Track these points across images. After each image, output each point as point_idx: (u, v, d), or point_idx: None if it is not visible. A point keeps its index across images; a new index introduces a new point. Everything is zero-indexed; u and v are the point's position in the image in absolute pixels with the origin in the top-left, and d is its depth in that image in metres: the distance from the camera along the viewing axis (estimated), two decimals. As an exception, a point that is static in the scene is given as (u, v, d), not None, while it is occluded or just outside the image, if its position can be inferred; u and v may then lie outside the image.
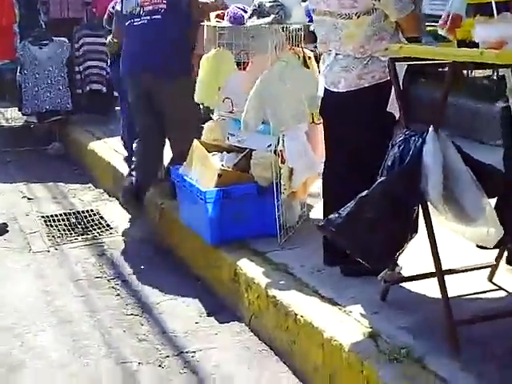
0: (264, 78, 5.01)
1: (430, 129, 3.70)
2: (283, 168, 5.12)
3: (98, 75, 10.06)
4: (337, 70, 4.50)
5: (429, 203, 3.77)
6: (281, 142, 5.14)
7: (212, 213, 5.20)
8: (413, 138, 3.75)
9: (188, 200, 5.53)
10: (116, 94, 9.43)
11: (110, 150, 8.34)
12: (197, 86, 5.82)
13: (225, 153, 5.61)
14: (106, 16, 7.48)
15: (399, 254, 3.96)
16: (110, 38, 7.10)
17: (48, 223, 7.00)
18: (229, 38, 5.82)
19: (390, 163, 3.74)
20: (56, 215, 7.21)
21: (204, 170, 5.36)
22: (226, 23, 5.49)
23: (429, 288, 4.20)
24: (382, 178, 3.69)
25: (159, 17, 6.02)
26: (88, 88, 9.99)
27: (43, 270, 5.87)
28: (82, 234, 6.70)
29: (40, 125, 9.86)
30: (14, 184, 8.26)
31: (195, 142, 5.58)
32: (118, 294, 5.37)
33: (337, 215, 3.77)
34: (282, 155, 5.11)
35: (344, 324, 4.03)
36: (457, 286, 4.06)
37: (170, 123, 6.12)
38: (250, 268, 4.88)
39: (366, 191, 3.73)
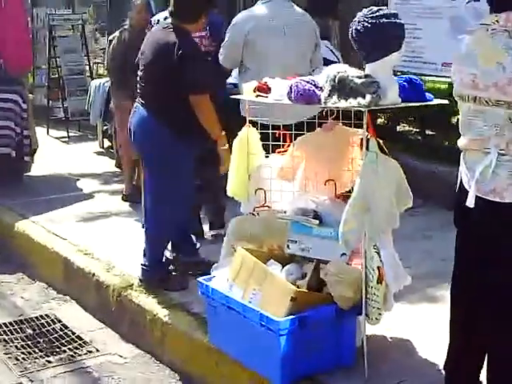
0: (363, 176, 3.90)
1: None
2: (380, 288, 4.01)
3: (6, 137, 8.58)
4: (503, 176, 3.43)
5: None
6: (375, 255, 4.03)
7: (285, 347, 4.05)
8: None
9: (235, 326, 4.32)
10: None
11: (49, 233, 6.92)
12: (229, 176, 4.69)
13: (272, 261, 4.45)
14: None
15: None
16: None
17: (-1, 337, 5.54)
18: (266, 114, 4.88)
19: None
20: (5, 324, 5.78)
21: (264, 290, 4.18)
22: (279, 97, 4.35)
23: None
24: None
25: (210, 59, 5.99)
26: (-6, 152, 8.46)
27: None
28: (53, 353, 5.33)
29: None
30: None
31: (242, 251, 4.39)
32: None
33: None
34: (379, 272, 4.00)
35: None
36: None
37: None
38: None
39: None
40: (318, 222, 4.32)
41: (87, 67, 12.53)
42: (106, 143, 10.71)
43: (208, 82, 5.19)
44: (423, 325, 4.77)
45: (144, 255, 5.55)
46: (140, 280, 5.57)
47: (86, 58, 12.52)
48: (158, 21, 6.49)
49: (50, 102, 12.41)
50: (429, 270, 5.60)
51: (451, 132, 8.16)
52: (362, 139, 4.31)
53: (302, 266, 4.36)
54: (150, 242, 5.53)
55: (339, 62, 7.24)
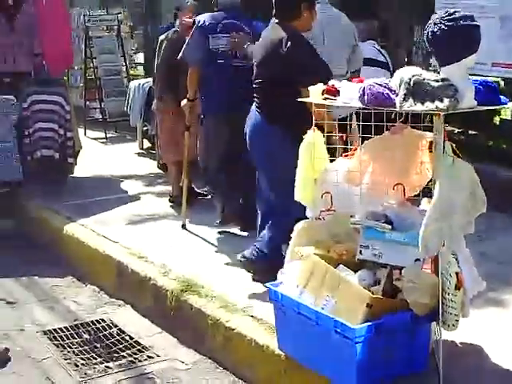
0: (442, 181, 3.83)
1: None
2: (458, 294, 3.94)
3: (49, 139, 8.55)
4: None
5: None
6: (452, 261, 3.96)
7: (361, 355, 3.98)
8: None
9: (307, 333, 4.26)
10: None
11: (99, 236, 6.88)
12: (295, 181, 4.65)
13: (342, 267, 4.38)
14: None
15: None
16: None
17: (55, 342, 5.51)
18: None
19: None
20: (61, 329, 5.73)
21: (338, 297, 4.12)
22: (348, 100, 4.29)
23: None
24: None
25: None
26: (39, 154, 8.41)
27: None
28: (112, 359, 5.27)
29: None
30: (-22, 280, 6.65)
31: (313, 257, 4.34)
32: None
33: None
34: (458, 278, 3.93)
35: None
36: None
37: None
38: None
39: None
40: (390, 226, 4.24)
41: (123, 68, 12.45)
42: (146, 144, 10.66)
43: (319, 70, 5.17)
44: (491, 329, 4.70)
45: (261, 241, 5.57)
46: (245, 259, 5.55)
47: (122, 58, 12.45)
48: (199, 21, 6.64)
49: (87, 102, 12.37)
50: (488, 273, 5.50)
51: (494, 132, 8.11)
52: (431, 142, 4.26)
53: (374, 271, 4.28)
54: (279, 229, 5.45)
55: (387, 62, 7.20)
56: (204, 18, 6.60)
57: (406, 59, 8.41)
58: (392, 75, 6.27)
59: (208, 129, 6.68)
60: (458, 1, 7.36)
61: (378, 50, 7.48)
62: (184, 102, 6.89)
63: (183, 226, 7.04)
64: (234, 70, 6.41)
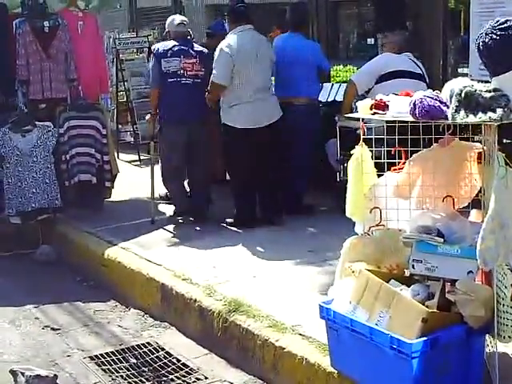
0: (496, 192, 3.76)
1: None
2: (512, 306, 3.89)
3: (86, 164, 8.54)
4: None
5: None
6: (508, 272, 3.91)
7: (417, 370, 3.91)
8: None
9: (361, 350, 4.21)
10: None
11: (141, 259, 6.84)
12: (346, 197, 4.65)
13: (394, 281, 4.33)
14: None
15: None
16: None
17: (103, 367, 5.47)
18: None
19: None
20: (107, 354, 5.68)
21: (392, 312, 4.07)
22: (397, 114, 4.25)
23: None
24: None
25: (200, 80, 7.79)
26: (77, 179, 8.41)
27: None
28: (161, 382, 5.24)
29: (24, 225, 8.18)
30: (22, 308, 6.67)
31: (365, 272, 4.28)
32: None
33: None
34: (512, 289, 3.88)
35: None
36: None
37: (199, 153, 7.88)
38: None
39: None
40: (442, 240, 4.19)
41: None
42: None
43: None
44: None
45: None
46: None
47: (153, 80, 12.42)
48: (154, 49, 8.15)
49: (119, 125, 12.38)
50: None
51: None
52: (479, 153, 4.23)
53: (427, 285, 4.22)
54: None
55: (424, 74, 7.15)
56: (158, 46, 7.98)
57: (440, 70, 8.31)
58: (428, 87, 6.27)
59: (164, 136, 7.92)
60: (494, 9, 7.23)
61: (414, 62, 7.43)
62: (148, 116, 8.24)
63: (152, 221, 7.96)
64: (183, 87, 7.72)
